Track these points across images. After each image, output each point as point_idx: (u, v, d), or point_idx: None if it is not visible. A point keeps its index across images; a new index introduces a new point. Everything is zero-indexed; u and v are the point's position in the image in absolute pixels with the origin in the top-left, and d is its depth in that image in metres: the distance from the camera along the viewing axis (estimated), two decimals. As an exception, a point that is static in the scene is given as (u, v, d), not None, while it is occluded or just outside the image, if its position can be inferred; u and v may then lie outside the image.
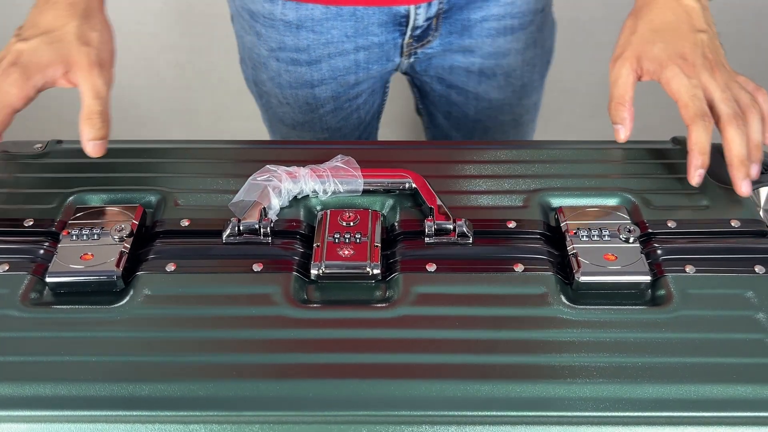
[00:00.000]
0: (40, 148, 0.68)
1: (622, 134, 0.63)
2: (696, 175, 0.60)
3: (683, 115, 0.60)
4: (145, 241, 0.59)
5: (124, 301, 0.54)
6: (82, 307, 0.54)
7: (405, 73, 0.97)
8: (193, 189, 0.63)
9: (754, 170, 0.60)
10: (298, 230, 0.60)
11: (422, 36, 0.87)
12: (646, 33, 0.64)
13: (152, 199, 0.62)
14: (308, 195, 0.62)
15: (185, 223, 0.60)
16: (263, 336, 0.51)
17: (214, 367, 0.50)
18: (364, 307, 0.54)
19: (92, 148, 0.60)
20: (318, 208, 0.62)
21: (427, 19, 0.84)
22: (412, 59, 0.91)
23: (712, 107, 0.60)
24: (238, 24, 0.92)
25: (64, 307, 0.54)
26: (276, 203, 0.59)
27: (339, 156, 0.64)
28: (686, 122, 0.59)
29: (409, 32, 0.85)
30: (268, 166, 0.62)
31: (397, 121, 1.14)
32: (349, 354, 0.50)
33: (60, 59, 0.60)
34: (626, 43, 0.65)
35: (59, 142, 0.69)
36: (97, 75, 0.60)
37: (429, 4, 0.82)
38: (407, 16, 0.83)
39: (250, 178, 0.61)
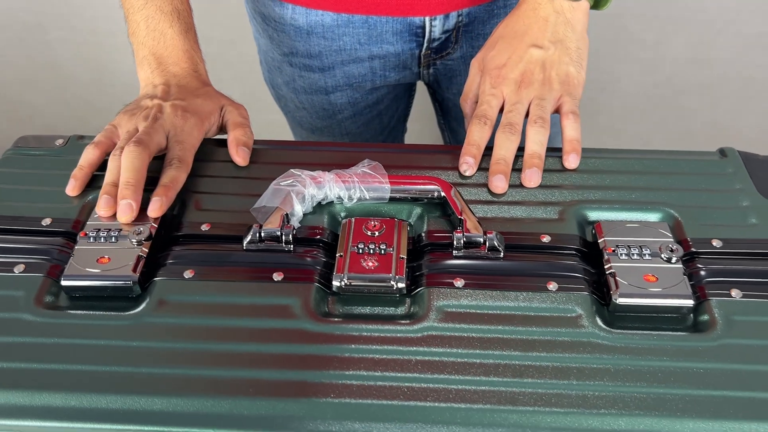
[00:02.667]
0: (61, 143, 0.66)
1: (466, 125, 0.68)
2: (463, 162, 0.63)
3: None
4: (163, 245, 0.57)
5: (140, 308, 0.52)
6: (97, 313, 0.52)
7: (427, 85, 0.94)
8: (215, 191, 0.61)
9: (528, 174, 0.62)
10: (321, 238, 0.57)
11: (441, 48, 0.83)
12: (494, 37, 0.70)
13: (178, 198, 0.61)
14: (332, 201, 0.60)
15: (205, 227, 0.58)
16: (281, 350, 0.49)
17: (229, 383, 0.48)
18: (386, 323, 0.51)
19: (244, 154, 0.64)
20: (342, 215, 0.60)
21: (445, 31, 0.81)
22: (431, 70, 0.87)
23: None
24: (253, 26, 0.90)
25: (79, 312, 0.52)
26: (299, 210, 0.57)
27: (366, 161, 0.61)
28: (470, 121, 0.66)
29: (426, 43, 0.82)
30: (292, 170, 0.59)
31: (427, 117, 1.10)
32: (369, 372, 0.48)
33: (217, 107, 0.68)
34: (486, 41, 0.71)
35: (80, 137, 0.67)
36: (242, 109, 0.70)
37: (446, 16, 0.79)
38: (423, 27, 0.80)
39: (274, 182, 0.58)
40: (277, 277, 0.54)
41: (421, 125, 1.15)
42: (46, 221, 0.58)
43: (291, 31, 0.82)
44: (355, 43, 0.82)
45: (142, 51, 0.69)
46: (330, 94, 0.88)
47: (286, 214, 0.57)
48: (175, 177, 0.60)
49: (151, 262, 0.55)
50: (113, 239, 0.56)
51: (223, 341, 0.50)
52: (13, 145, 0.67)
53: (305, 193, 0.58)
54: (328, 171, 0.60)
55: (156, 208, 0.57)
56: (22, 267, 0.55)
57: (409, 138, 1.09)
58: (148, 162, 0.59)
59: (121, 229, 0.57)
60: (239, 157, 0.64)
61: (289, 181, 0.58)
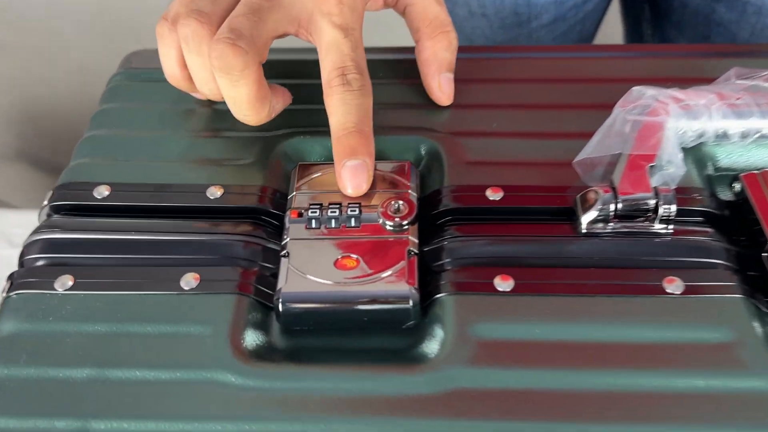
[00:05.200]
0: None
1: None
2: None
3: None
4: (428, 229, 0.33)
5: (435, 352, 0.28)
6: (361, 367, 0.28)
7: None
8: (489, 130, 0.36)
9: None
10: (703, 208, 0.33)
11: None
12: None
13: (422, 147, 0.36)
14: (704, 142, 0.35)
15: (494, 194, 0.33)
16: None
17: None
18: None
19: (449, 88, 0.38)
20: (717, 164, 0.35)
21: None
22: None
23: None
24: None
25: (319, 367, 0.28)
26: (678, 158, 0.32)
27: (734, 69, 0.36)
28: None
29: None
30: (638, 88, 0.34)
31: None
32: None
33: None
34: None
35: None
36: None
37: None
38: None
39: (617, 108, 0.33)
40: (673, 287, 0.29)
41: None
42: (214, 191, 0.34)
43: None
44: None
45: None
46: None
47: (652, 167, 0.32)
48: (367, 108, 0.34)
49: (421, 263, 0.31)
50: (353, 222, 0.31)
51: (615, 421, 0.26)
52: (121, 66, 0.42)
53: (675, 126, 0.33)
54: (691, 88, 0.35)
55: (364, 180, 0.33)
56: (193, 279, 0.30)
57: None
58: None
59: (359, 204, 0.32)
60: (443, 93, 0.37)
61: (641, 107, 0.34)
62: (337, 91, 0.33)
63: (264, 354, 0.29)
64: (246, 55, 0.32)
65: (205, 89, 0.35)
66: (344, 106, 0.33)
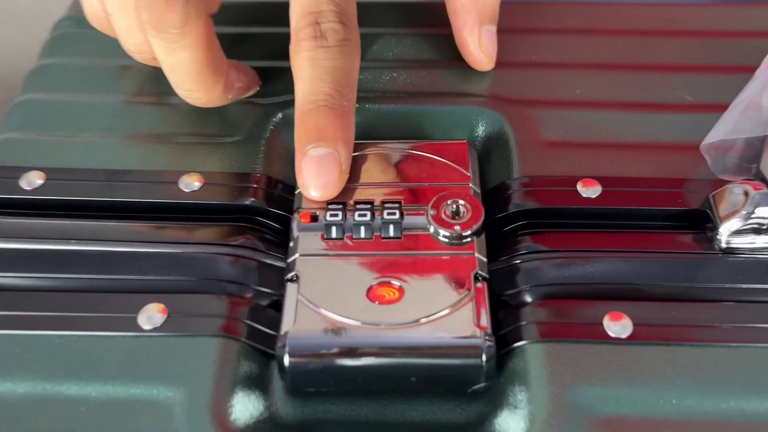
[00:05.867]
0: None
1: None
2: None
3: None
4: (492, 239, 0.24)
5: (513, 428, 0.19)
6: None
7: None
8: (571, 99, 0.27)
9: None
10: None
11: None
12: None
13: (478, 122, 0.26)
14: None
15: (587, 189, 0.23)
16: None
17: None
18: None
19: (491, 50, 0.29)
20: None
21: None
22: None
23: None
24: None
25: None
26: None
27: None
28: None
29: None
30: None
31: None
32: None
33: None
34: None
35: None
36: None
37: None
38: None
39: (761, 72, 0.24)
40: None
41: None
42: (190, 182, 0.24)
43: None
44: None
45: None
46: None
47: (818, 155, 0.23)
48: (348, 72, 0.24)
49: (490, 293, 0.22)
50: (391, 230, 0.22)
51: None
52: (71, 9, 0.31)
53: None
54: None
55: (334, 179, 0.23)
56: (158, 313, 0.21)
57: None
58: None
59: (400, 204, 0.23)
60: (485, 52, 0.27)
61: (794, 70, 0.24)
62: (305, 47, 0.23)
63: (261, 430, 0.19)
64: (186, 5, 0.22)
65: (129, 44, 0.25)
66: (314, 68, 0.23)
